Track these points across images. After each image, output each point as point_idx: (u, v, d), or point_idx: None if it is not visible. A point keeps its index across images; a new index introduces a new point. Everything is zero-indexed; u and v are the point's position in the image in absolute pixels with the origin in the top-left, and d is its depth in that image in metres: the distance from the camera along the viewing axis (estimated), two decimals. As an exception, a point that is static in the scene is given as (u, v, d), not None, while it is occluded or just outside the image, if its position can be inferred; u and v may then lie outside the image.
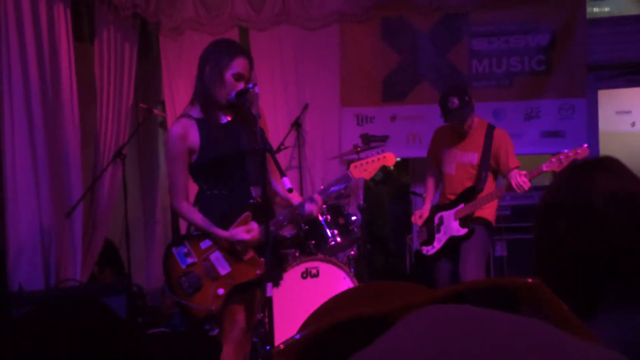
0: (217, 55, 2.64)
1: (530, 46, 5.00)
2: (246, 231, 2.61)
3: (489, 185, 3.63)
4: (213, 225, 2.65)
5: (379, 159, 2.71)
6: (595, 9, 5.37)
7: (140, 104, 4.79)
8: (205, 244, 2.69)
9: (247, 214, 2.64)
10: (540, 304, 0.47)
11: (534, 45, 5.00)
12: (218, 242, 2.67)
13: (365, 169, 2.69)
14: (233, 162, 2.68)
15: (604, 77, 5.26)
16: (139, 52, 5.00)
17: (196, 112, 2.67)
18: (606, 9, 5.46)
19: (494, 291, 0.47)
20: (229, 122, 2.71)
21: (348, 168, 2.76)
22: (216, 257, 2.67)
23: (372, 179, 5.36)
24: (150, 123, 5.36)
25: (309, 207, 2.65)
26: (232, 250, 2.66)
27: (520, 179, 3.29)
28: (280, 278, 2.87)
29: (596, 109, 5.34)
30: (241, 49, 2.71)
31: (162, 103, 5.41)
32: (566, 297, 0.89)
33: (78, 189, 4.18)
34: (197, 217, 2.67)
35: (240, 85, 2.61)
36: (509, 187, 3.39)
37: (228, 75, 2.60)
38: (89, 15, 4.63)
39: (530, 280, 0.48)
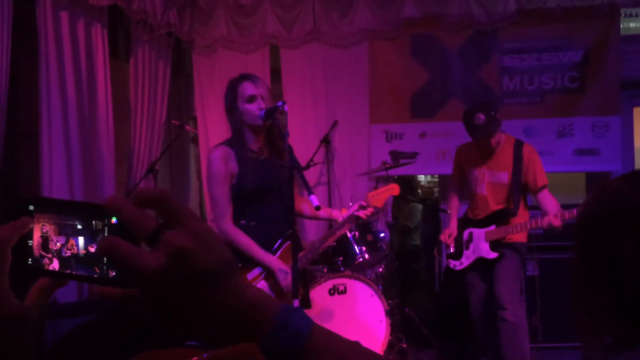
0: (227, 95, 2.75)
1: (563, 63, 4.94)
2: (286, 273, 2.62)
3: (522, 209, 3.58)
4: (261, 250, 2.63)
5: (387, 190, 2.92)
6: (631, 24, 5.27)
7: (173, 121, 4.88)
8: (252, 274, 2.67)
9: (288, 243, 2.63)
10: None
11: (566, 62, 4.93)
12: (266, 269, 2.65)
13: (379, 198, 2.88)
14: (266, 196, 2.71)
15: (639, 94, 5.16)
16: (172, 69, 5.11)
17: (235, 145, 2.72)
18: (641, 25, 5.37)
19: None
20: (265, 158, 2.75)
21: (366, 194, 2.94)
22: (262, 287, 2.65)
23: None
24: (182, 139, 5.45)
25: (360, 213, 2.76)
26: (276, 281, 2.65)
27: (554, 221, 3.28)
28: (309, 305, 2.87)
29: (631, 127, 5.23)
30: (244, 75, 2.77)
31: (194, 119, 5.50)
32: (614, 323, 0.83)
33: (111, 203, 4.26)
34: (245, 240, 2.64)
35: (259, 105, 2.66)
36: (543, 223, 3.34)
37: (242, 105, 2.68)
38: (125, 34, 4.76)
39: (243, 346, 0.52)
